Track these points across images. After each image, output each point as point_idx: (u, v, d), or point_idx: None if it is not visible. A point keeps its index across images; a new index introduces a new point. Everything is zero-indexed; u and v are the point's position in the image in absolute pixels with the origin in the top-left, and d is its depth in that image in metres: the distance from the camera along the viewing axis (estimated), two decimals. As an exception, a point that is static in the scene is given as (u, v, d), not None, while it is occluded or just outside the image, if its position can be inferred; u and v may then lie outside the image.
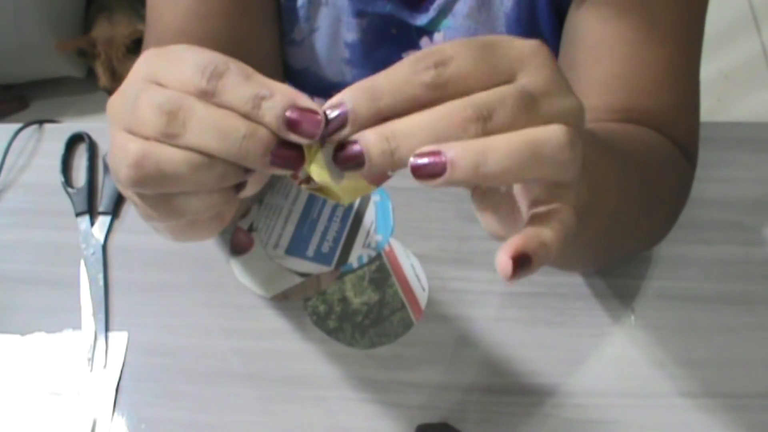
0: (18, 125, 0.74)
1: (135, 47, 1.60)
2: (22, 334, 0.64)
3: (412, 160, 0.32)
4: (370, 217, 0.68)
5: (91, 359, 0.62)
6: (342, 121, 0.32)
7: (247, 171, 0.34)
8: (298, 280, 0.65)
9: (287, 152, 0.33)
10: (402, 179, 0.70)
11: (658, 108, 0.56)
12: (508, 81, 0.33)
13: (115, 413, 0.60)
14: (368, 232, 0.67)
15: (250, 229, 0.67)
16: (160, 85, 0.34)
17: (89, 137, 0.74)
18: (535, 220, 0.34)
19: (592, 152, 0.40)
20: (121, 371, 0.62)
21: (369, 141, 0.32)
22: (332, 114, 0.33)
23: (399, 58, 0.64)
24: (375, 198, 0.69)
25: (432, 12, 0.61)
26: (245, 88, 0.33)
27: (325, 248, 0.66)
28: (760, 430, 0.58)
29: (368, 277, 0.65)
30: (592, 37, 0.56)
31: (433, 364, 0.60)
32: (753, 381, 0.59)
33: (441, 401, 0.59)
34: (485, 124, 0.32)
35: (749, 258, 0.65)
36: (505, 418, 0.58)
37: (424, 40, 0.63)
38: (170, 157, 0.33)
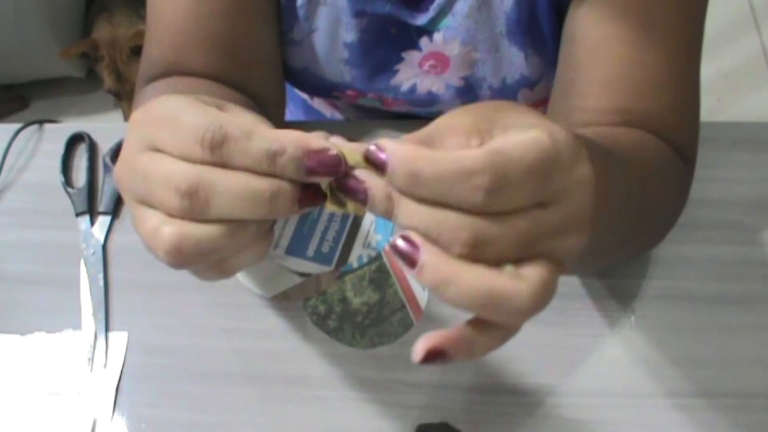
0: (18, 125, 0.75)
1: (140, 49, 1.60)
2: (22, 334, 0.64)
3: (396, 238, 0.32)
4: (370, 217, 0.68)
5: (91, 359, 0.62)
6: (381, 167, 0.32)
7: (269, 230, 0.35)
8: (298, 280, 0.65)
9: (313, 195, 0.34)
10: (402, 179, 0.70)
11: (657, 110, 0.56)
12: (543, 205, 0.33)
13: (115, 413, 0.60)
14: (368, 232, 0.67)
15: (250, 229, 0.67)
16: (162, 152, 0.34)
17: (89, 137, 0.74)
18: (477, 325, 0.34)
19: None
20: (121, 371, 0.62)
21: (377, 196, 0.32)
22: (377, 156, 0.32)
23: (399, 58, 0.64)
24: (375, 198, 0.69)
25: (432, 12, 0.61)
26: (252, 150, 0.33)
27: (325, 248, 0.66)
28: (760, 430, 0.58)
29: (368, 277, 0.65)
30: (591, 37, 0.56)
31: (433, 365, 0.60)
32: (753, 381, 0.59)
33: (441, 401, 0.59)
34: (472, 251, 0.32)
35: (749, 258, 0.65)
36: (505, 418, 0.58)
37: (424, 40, 0.63)
38: (206, 233, 0.34)
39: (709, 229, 0.66)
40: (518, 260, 0.33)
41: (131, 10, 1.65)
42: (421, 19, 0.61)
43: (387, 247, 0.66)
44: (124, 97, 1.63)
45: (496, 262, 0.32)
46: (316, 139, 0.33)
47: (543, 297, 0.33)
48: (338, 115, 0.84)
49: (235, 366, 0.61)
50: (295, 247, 0.66)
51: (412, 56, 0.64)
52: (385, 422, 0.58)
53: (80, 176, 0.72)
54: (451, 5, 0.60)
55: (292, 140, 0.33)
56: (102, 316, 0.64)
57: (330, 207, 0.35)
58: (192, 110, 0.34)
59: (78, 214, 0.69)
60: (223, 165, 0.33)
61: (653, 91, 0.56)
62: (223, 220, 0.34)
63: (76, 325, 0.64)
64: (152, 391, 0.61)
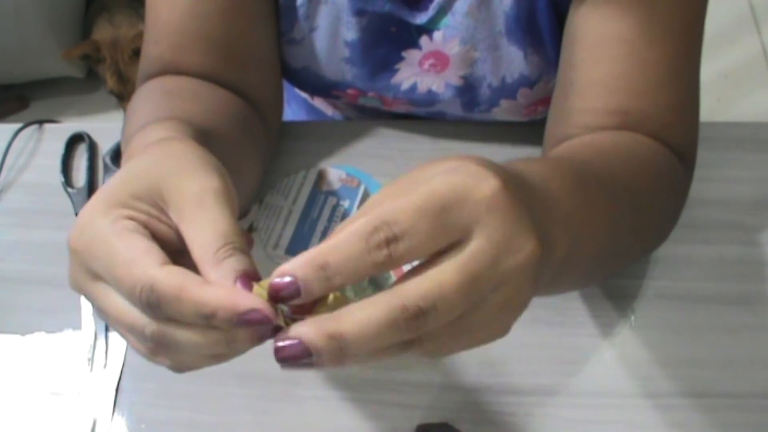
0: (18, 125, 0.75)
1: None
2: (22, 334, 0.64)
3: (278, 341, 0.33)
4: (370, 217, 0.68)
5: (91, 359, 0.62)
6: (294, 293, 0.33)
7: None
8: (298, 280, 0.64)
9: (269, 332, 0.34)
10: (402, 179, 0.70)
11: (656, 110, 0.56)
12: (462, 242, 0.33)
13: (115, 413, 0.60)
14: (368, 232, 0.67)
15: (250, 229, 0.67)
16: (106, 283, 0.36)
17: (89, 137, 0.74)
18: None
19: (572, 202, 0.41)
20: (121, 371, 0.62)
21: (316, 342, 0.32)
22: (283, 282, 0.33)
23: (398, 56, 0.64)
24: (375, 198, 0.69)
25: (431, 10, 0.61)
26: (185, 311, 0.33)
27: (325, 248, 0.66)
28: (760, 430, 0.58)
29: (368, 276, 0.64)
30: (591, 36, 0.56)
31: (433, 364, 0.60)
32: (753, 381, 0.59)
33: (441, 401, 0.59)
34: (418, 322, 0.32)
35: (749, 258, 0.65)
36: (505, 418, 0.58)
37: (424, 39, 0.63)
38: (198, 361, 0.36)
39: (709, 229, 0.66)
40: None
41: (131, 10, 1.65)
42: (421, 18, 0.61)
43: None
44: (126, 98, 1.63)
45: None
46: (243, 299, 0.33)
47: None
48: (338, 115, 0.84)
49: (235, 366, 0.61)
50: (295, 247, 0.66)
51: (412, 55, 0.64)
52: (385, 422, 0.58)
53: (80, 176, 0.72)
54: (451, 4, 0.60)
55: (220, 303, 0.33)
56: (102, 316, 0.64)
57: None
58: (123, 259, 0.35)
59: (78, 214, 0.69)
60: (165, 318, 0.34)
61: (653, 92, 0.56)
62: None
63: (76, 325, 0.64)
64: (152, 391, 0.61)
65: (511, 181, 0.35)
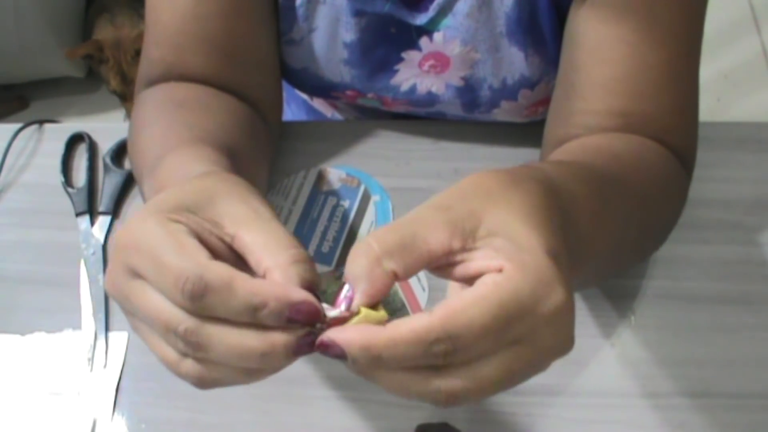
0: (18, 125, 0.75)
1: (144, 51, 1.60)
2: (22, 334, 0.64)
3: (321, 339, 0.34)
4: (370, 217, 0.68)
5: (91, 359, 0.62)
6: (340, 357, 0.33)
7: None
8: (298, 280, 0.65)
9: (307, 346, 0.34)
10: (401, 179, 0.70)
11: (658, 113, 0.57)
12: (516, 342, 0.34)
13: (115, 413, 0.60)
14: (368, 232, 0.67)
15: (250, 229, 0.67)
16: (147, 282, 0.35)
17: (89, 137, 0.74)
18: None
19: (591, 218, 0.43)
20: (121, 371, 0.62)
21: (354, 354, 0.33)
22: (331, 350, 0.33)
23: (398, 57, 0.64)
24: (375, 198, 0.69)
25: (431, 11, 0.61)
26: (234, 303, 0.33)
27: (325, 248, 0.66)
28: (760, 430, 0.58)
29: (368, 277, 0.65)
30: (592, 38, 0.56)
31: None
32: (753, 381, 0.59)
33: (441, 401, 0.59)
34: (452, 402, 0.34)
35: (749, 258, 0.65)
36: (505, 417, 0.58)
37: (424, 40, 0.63)
38: (225, 376, 0.35)
39: (709, 229, 0.66)
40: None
41: (132, 10, 1.65)
42: (421, 19, 0.61)
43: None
44: (129, 99, 1.63)
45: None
46: (296, 291, 0.34)
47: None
48: (338, 116, 0.84)
49: (235, 366, 0.61)
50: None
51: (411, 56, 0.64)
52: (385, 422, 0.58)
53: (80, 176, 0.72)
54: (452, 5, 0.60)
55: (274, 294, 0.33)
56: (102, 316, 0.64)
57: None
58: (172, 249, 0.34)
59: (78, 214, 0.69)
60: (205, 313, 0.34)
61: (654, 93, 0.56)
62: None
63: (76, 325, 0.64)
64: (152, 391, 0.61)
65: (563, 258, 0.36)
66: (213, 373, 0.35)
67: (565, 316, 0.34)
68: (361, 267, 0.34)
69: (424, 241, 0.34)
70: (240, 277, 0.33)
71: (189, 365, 0.35)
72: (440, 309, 0.33)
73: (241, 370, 0.35)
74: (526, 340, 0.34)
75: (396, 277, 0.34)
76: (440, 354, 0.32)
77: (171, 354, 0.36)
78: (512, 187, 0.37)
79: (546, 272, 0.34)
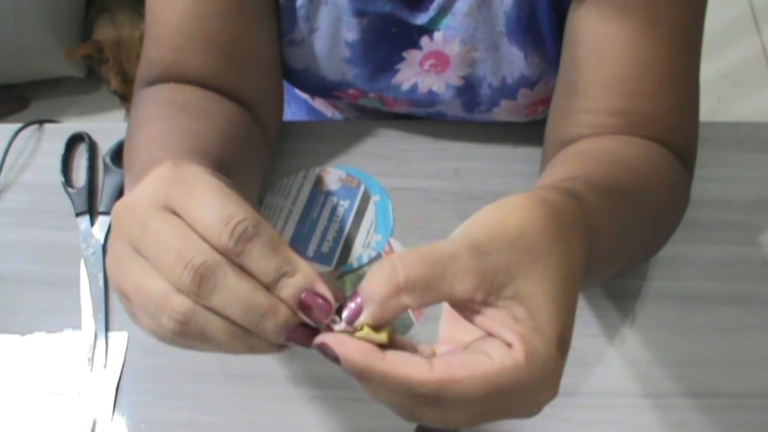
0: (18, 125, 0.75)
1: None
2: (22, 334, 0.64)
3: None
4: (370, 217, 0.68)
5: (91, 359, 0.62)
6: (334, 360, 0.34)
7: (281, 345, 0.36)
8: (298, 280, 0.65)
9: (301, 334, 0.35)
10: (401, 179, 0.70)
11: (658, 112, 0.57)
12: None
13: (115, 413, 0.60)
14: (368, 232, 0.67)
15: (250, 229, 0.67)
16: (180, 217, 0.35)
17: (89, 137, 0.74)
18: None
19: (602, 234, 0.43)
20: (121, 371, 0.62)
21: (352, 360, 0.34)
22: (329, 352, 0.34)
23: (399, 57, 0.64)
24: (375, 198, 0.69)
25: (432, 11, 0.61)
26: (270, 260, 0.34)
27: (325, 248, 0.66)
28: (760, 430, 0.58)
29: (368, 277, 0.64)
30: (593, 37, 0.56)
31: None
32: (753, 381, 0.59)
33: (441, 401, 0.59)
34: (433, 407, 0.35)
35: (749, 258, 0.65)
36: (505, 418, 0.58)
37: (424, 39, 0.63)
38: (214, 324, 0.34)
39: (709, 229, 0.66)
40: None
41: (132, 10, 1.65)
42: (422, 19, 0.61)
43: (386, 247, 0.66)
44: (130, 98, 1.62)
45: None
46: (324, 287, 0.35)
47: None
48: (338, 116, 0.84)
49: (235, 366, 0.61)
50: (295, 247, 0.66)
51: (412, 55, 0.64)
52: (385, 422, 0.58)
53: (80, 176, 0.72)
54: (451, 4, 0.60)
55: (304, 271, 0.34)
56: (102, 316, 0.64)
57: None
58: (228, 198, 0.35)
59: (78, 214, 0.69)
60: (236, 260, 0.34)
61: (655, 93, 0.56)
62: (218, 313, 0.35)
63: (76, 325, 0.64)
64: (152, 391, 0.61)
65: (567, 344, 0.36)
66: (202, 316, 0.34)
67: (546, 404, 0.36)
68: (379, 293, 0.34)
69: (450, 285, 0.34)
70: (285, 243, 0.35)
71: (180, 299, 0.34)
72: (441, 368, 0.33)
73: (228, 328, 0.35)
74: (504, 410, 0.35)
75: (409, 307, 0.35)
76: (422, 401, 0.34)
77: (161, 285, 0.34)
78: (556, 245, 0.36)
79: (550, 368, 0.34)
